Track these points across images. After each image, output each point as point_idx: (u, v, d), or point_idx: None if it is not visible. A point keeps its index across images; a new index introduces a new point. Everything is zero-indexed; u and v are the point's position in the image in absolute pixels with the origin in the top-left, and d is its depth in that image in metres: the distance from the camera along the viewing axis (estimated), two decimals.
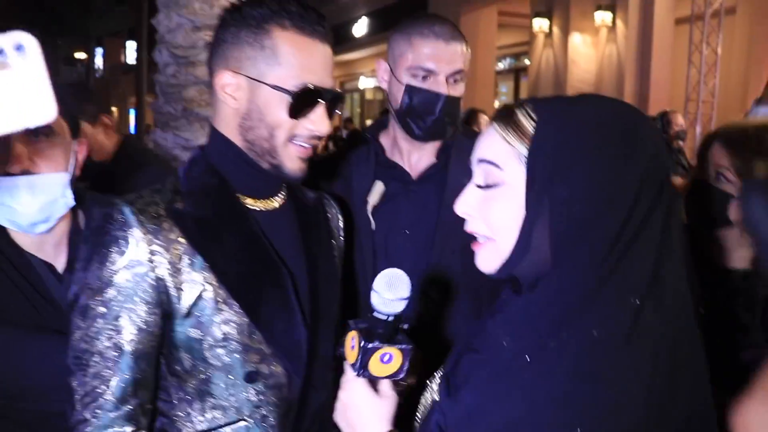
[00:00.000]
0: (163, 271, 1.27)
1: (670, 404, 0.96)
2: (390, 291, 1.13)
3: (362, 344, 1.12)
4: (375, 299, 1.14)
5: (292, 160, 1.37)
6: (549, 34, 10.57)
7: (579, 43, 10.12)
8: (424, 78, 1.89)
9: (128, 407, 1.26)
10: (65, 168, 1.55)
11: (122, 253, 1.25)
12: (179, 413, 1.34)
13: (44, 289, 1.55)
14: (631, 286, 0.96)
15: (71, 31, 24.81)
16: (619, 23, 9.55)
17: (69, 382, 1.27)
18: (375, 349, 1.12)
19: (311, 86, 1.33)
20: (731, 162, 1.67)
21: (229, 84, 1.35)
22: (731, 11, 9.93)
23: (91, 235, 1.30)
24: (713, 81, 9.38)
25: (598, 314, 0.95)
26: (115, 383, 1.25)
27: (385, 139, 2.05)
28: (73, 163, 1.58)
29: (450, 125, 1.93)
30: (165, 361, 1.33)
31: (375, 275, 1.94)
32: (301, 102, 1.33)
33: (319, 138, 1.39)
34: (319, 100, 1.35)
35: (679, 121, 6.79)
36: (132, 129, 28.65)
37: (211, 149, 1.43)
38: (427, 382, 1.25)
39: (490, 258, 1.07)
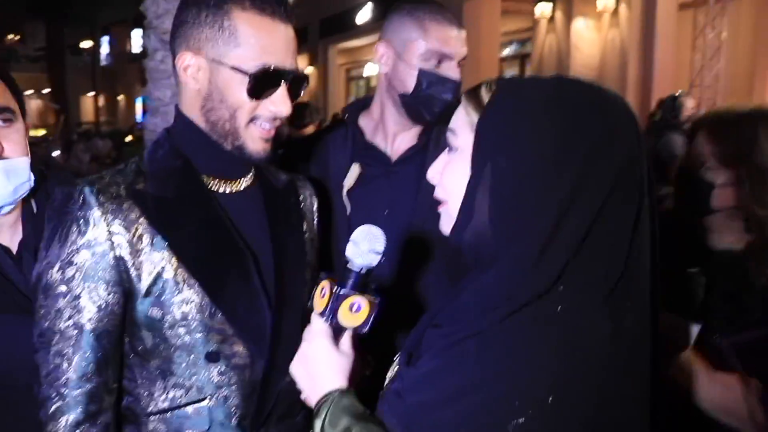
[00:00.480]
0: (123, 251, 1.29)
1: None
2: (367, 242, 1.17)
3: (334, 290, 1.16)
4: (351, 250, 1.17)
5: (255, 141, 1.37)
6: (552, 20, 10.52)
7: (582, 28, 10.06)
8: (439, 63, 1.90)
9: (90, 385, 1.30)
10: (26, 150, 1.57)
11: (82, 233, 1.28)
12: (142, 392, 1.36)
13: (1, 271, 1.57)
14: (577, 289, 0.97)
15: (77, 19, 24.82)
16: (622, 7, 9.49)
17: (35, 360, 1.31)
18: (346, 296, 1.16)
19: (271, 67, 1.32)
20: (712, 150, 1.68)
21: (189, 65, 1.35)
22: None
23: (53, 214, 1.32)
24: (718, 66, 9.30)
25: (531, 307, 0.97)
26: (77, 361, 1.28)
27: (365, 121, 2.05)
28: (27, 145, 1.59)
29: (453, 107, 1.93)
30: (128, 339, 1.36)
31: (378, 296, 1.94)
32: (261, 83, 1.33)
33: (281, 119, 1.39)
34: (281, 81, 1.35)
35: (691, 104, 6.66)
36: (140, 117, 28.75)
37: (176, 131, 1.44)
38: (394, 359, 1.27)
39: (444, 221, 1.12)
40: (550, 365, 0.95)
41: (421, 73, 1.90)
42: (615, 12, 9.58)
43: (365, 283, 1.18)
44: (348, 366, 1.18)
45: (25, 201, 1.64)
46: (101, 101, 28.98)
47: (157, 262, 1.31)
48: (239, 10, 1.32)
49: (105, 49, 31.55)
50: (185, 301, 1.32)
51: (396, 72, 1.96)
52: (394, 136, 2.01)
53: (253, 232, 1.43)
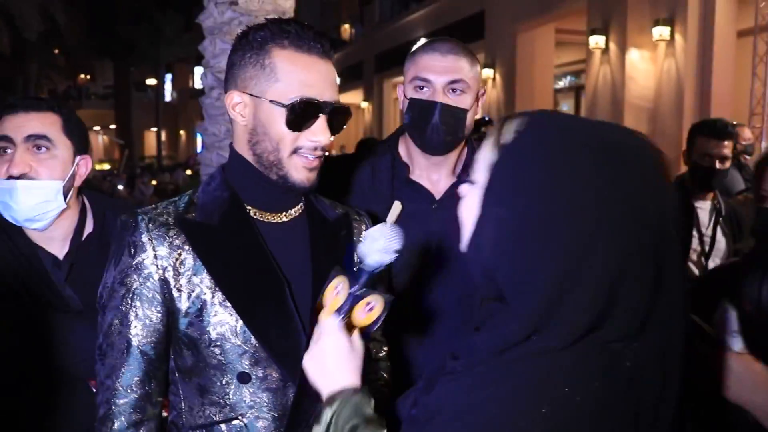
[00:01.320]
0: (167, 273, 1.42)
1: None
2: (384, 239, 1.20)
3: (351, 289, 1.18)
4: (366, 246, 1.21)
5: (298, 171, 1.46)
6: (606, 51, 10.41)
7: (636, 58, 9.93)
8: (423, 89, 1.99)
9: (135, 396, 1.41)
10: (61, 177, 1.85)
11: (132, 256, 1.42)
12: (184, 407, 1.46)
13: (45, 273, 1.85)
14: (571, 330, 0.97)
15: (142, 58, 25.82)
16: (678, 37, 9.32)
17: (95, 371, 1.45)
18: (362, 296, 1.18)
19: (306, 99, 1.41)
20: None
21: (237, 103, 1.47)
22: None
23: (114, 239, 1.48)
24: None
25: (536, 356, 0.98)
26: (123, 373, 1.41)
27: (404, 155, 2.11)
28: (72, 174, 1.88)
29: (450, 135, 1.99)
30: (173, 357, 1.47)
31: (392, 292, 1.97)
32: (299, 115, 1.42)
33: (322, 149, 1.47)
34: (318, 112, 1.44)
35: (747, 135, 6.42)
36: (199, 149, 29.51)
37: (229, 166, 1.55)
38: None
39: (462, 243, 1.14)
40: (546, 411, 0.96)
41: (409, 101, 2.01)
42: (670, 42, 9.43)
43: (376, 281, 1.23)
44: (360, 363, 1.21)
45: (81, 217, 1.95)
46: (163, 136, 29.94)
47: (196, 284, 1.42)
48: (279, 49, 1.43)
49: (168, 86, 32.64)
50: (220, 323, 1.41)
51: (403, 107, 2.07)
52: (428, 171, 2.07)
53: (293, 261, 1.50)
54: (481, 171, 1.08)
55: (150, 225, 1.42)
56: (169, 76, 32.27)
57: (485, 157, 1.09)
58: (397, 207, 2.03)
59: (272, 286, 1.46)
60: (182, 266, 1.42)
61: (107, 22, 24.11)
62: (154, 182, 15.44)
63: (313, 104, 1.43)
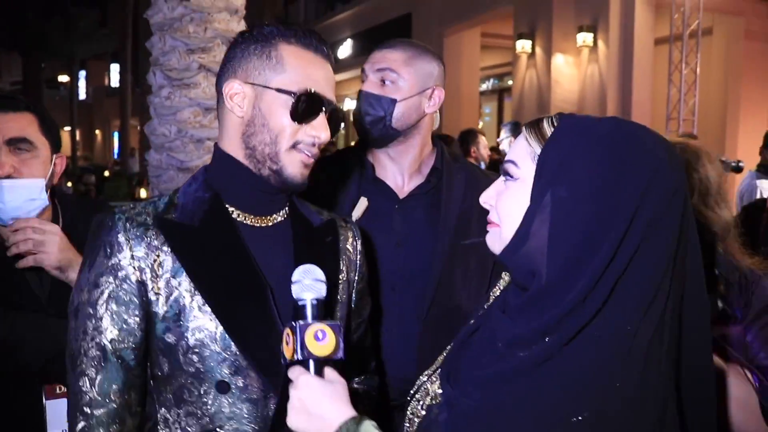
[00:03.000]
0: (145, 275, 1.35)
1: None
2: (307, 276, 1.23)
3: (293, 325, 1.19)
4: (296, 288, 1.23)
5: (294, 165, 1.42)
6: (532, 55, 10.73)
7: (561, 63, 10.28)
8: (363, 82, 2.06)
9: (113, 406, 1.34)
10: (43, 175, 1.87)
11: (108, 256, 1.35)
12: (159, 417, 1.39)
13: (21, 273, 1.84)
14: (624, 307, 1.03)
15: (55, 53, 24.74)
16: (601, 44, 9.72)
17: (66, 381, 1.37)
18: (305, 327, 1.18)
19: (313, 91, 1.40)
20: None
21: (236, 93, 1.42)
22: (708, 32, 10.16)
23: (89, 239, 1.40)
24: (693, 100, 9.54)
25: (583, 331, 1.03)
26: (99, 381, 1.33)
27: (370, 157, 2.15)
28: (51, 171, 1.91)
29: (373, 124, 2.04)
30: (149, 364, 1.39)
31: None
32: (304, 106, 1.39)
33: (320, 146, 1.45)
34: (321, 108, 1.42)
35: None
36: (116, 152, 28.55)
37: (213, 166, 1.50)
38: (421, 377, 1.32)
39: (494, 241, 1.19)
40: (603, 384, 1.01)
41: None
42: (593, 48, 9.81)
43: (321, 314, 1.23)
44: (344, 392, 1.20)
45: (53, 216, 1.95)
46: (78, 135, 28.78)
47: (175, 287, 1.35)
48: (285, 44, 1.42)
49: (82, 83, 31.43)
50: (199, 329, 1.34)
51: None
52: (388, 168, 2.12)
53: (277, 266, 1.44)
54: (525, 166, 1.14)
55: (128, 224, 1.36)
56: (83, 73, 31.07)
57: (526, 152, 1.15)
58: (362, 203, 2.07)
59: (255, 290, 1.40)
60: (160, 268, 1.35)
61: (15, 14, 22.95)
62: (69, 183, 14.84)
63: (319, 98, 1.41)
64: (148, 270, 1.35)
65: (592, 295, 1.02)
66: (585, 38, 9.74)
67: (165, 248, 1.37)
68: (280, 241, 1.49)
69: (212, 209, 1.43)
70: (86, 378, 1.33)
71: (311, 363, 1.19)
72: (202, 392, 1.35)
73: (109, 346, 1.33)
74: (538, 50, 10.60)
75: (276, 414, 1.37)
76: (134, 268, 1.34)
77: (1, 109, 1.86)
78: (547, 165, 1.09)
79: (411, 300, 2.04)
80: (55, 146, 1.95)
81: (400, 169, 2.11)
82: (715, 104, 10.55)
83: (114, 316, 1.34)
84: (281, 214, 1.52)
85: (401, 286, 2.06)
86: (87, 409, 1.32)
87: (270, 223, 1.49)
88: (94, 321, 1.34)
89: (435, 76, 2.07)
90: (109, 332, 1.34)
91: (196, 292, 1.35)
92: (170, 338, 1.35)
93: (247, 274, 1.40)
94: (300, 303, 1.23)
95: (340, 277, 1.56)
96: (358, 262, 1.64)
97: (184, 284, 1.35)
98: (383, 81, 2.01)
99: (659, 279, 1.04)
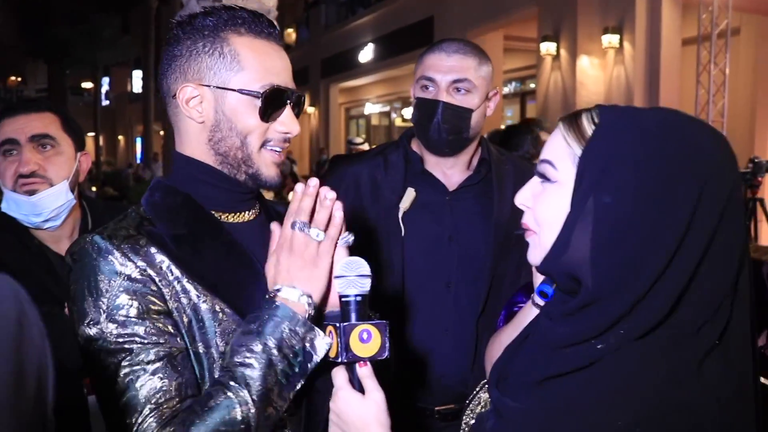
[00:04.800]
0: (160, 282, 1.24)
1: None
2: (351, 270, 1.19)
3: (338, 326, 1.16)
4: (340, 284, 1.20)
5: (268, 167, 1.37)
6: (556, 57, 10.62)
7: (587, 65, 10.16)
8: (428, 88, 2.01)
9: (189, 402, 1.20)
10: (68, 173, 1.93)
11: (110, 277, 1.21)
12: None
13: (55, 272, 1.88)
14: (681, 319, 0.97)
15: (79, 60, 25.06)
16: (627, 45, 9.60)
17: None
18: (351, 327, 1.16)
19: (278, 86, 1.32)
20: None
21: (192, 97, 1.32)
22: (736, 32, 10.00)
23: (73, 276, 1.25)
24: (722, 101, 9.39)
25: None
26: (169, 386, 1.19)
27: (417, 149, 2.13)
28: (76, 170, 1.97)
29: (453, 134, 2.00)
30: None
31: (404, 278, 1.99)
32: (270, 103, 1.32)
33: (290, 140, 1.39)
34: (286, 100, 1.35)
35: None
36: (139, 157, 28.80)
37: (174, 174, 1.40)
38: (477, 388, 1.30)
39: (533, 250, 1.11)
40: (652, 400, 0.95)
41: (416, 100, 2.03)
42: (619, 49, 9.69)
43: (365, 311, 1.20)
44: (381, 409, 1.16)
45: (83, 218, 2.01)
46: (101, 141, 29.10)
47: (189, 296, 1.26)
48: (236, 36, 1.32)
49: (105, 89, 31.81)
50: (225, 333, 1.27)
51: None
52: (438, 165, 2.09)
53: (263, 259, 1.37)
54: (564, 168, 1.05)
55: (115, 240, 1.23)
56: (106, 80, 31.41)
57: (565, 153, 1.05)
58: (410, 194, 2.05)
59: (258, 282, 1.34)
60: (170, 273, 1.25)
61: (40, 23, 23.27)
62: (93, 188, 15.00)
63: (283, 92, 1.34)
64: (159, 276, 1.24)
65: (642, 306, 0.96)
66: (611, 40, 9.62)
67: (162, 257, 1.26)
68: (261, 234, 1.41)
69: (192, 213, 1.35)
70: (162, 393, 1.18)
71: (355, 366, 1.18)
72: None
73: (151, 356, 1.20)
74: (562, 52, 10.50)
75: (307, 401, 1.35)
76: (148, 277, 1.23)
77: (24, 110, 1.92)
78: (589, 169, 1.00)
79: (466, 297, 2.01)
80: (79, 144, 2.00)
81: (451, 167, 2.09)
82: (744, 105, 10.38)
83: (146, 328, 1.20)
84: (255, 209, 1.47)
85: (457, 283, 2.03)
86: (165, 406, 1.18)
87: (247, 219, 1.44)
88: (130, 342, 1.20)
89: (492, 78, 2.07)
90: (148, 345, 1.20)
91: (207, 296, 1.27)
92: (199, 348, 1.26)
93: (249, 266, 1.36)
94: (343, 299, 1.19)
95: None
96: None
97: (192, 291, 1.26)
98: (458, 90, 1.98)
99: (725, 290, 0.98)
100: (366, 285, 1.20)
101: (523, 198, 1.14)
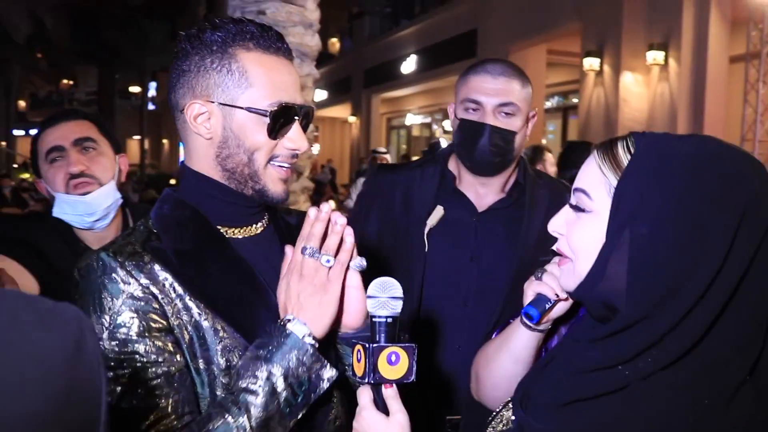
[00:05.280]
0: (161, 299, 1.25)
1: None
2: (384, 291, 1.18)
3: (366, 347, 1.15)
4: (371, 304, 1.18)
5: (275, 183, 1.37)
6: (600, 73, 10.51)
7: (630, 81, 10.03)
8: (474, 110, 2.00)
9: (186, 419, 1.23)
10: (112, 174, 2.05)
11: (115, 295, 1.23)
12: None
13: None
14: (720, 350, 0.96)
15: (128, 65, 25.63)
16: (672, 62, 9.45)
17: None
18: (380, 349, 1.15)
19: (286, 103, 1.32)
20: None
21: (200, 114, 1.32)
22: None
23: (79, 291, 1.27)
24: None
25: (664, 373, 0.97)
26: (166, 404, 1.22)
27: (453, 168, 2.13)
28: (117, 171, 2.08)
29: (499, 157, 2.01)
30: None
31: (422, 294, 1.99)
32: (278, 121, 1.32)
33: (298, 156, 1.39)
34: (294, 117, 1.35)
35: None
36: (181, 161, 29.29)
37: (183, 187, 1.40)
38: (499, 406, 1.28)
39: (567, 277, 1.12)
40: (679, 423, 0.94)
41: (459, 122, 2.03)
42: (664, 66, 9.54)
43: (395, 332, 1.18)
44: (402, 429, 1.15)
45: (124, 217, 2.10)
46: (146, 144, 29.71)
47: (194, 308, 1.28)
48: (244, 51, 1.31)
49: (152, 93, 32.46)
50: (226, 349, 1.28)
51: (453, 126, 2.10)
52: (473, 186, 2.09)
53: (269, 275, 1.39)
54: (599, 198, 1.05)
55: (119, 258, 1.25)
56: (153, 84, 32.02)
57: (600, 182, 1.05)
58: (438, 211, 2.06)
59: (264, 298, 1.36)
60: (172, 291, 1.27)
61: (92, 27, 23.91)
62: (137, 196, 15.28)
63: (291, 108, 1.33)
64: (162, 294, 1.25)
65: (673, 335, 0.95)
66: (655, 56, 9.48)
67: (166, 275, 1.27)
68: (268, 248, 1.44)
69: (198, 228, 1.36)
70: (162, 412, 1.21)
71: (380, 387, 1.17)
72: None
73: (151, 374, 1.22)
74: (606, 68, 10.39)
75: (307, 414, 1.32)
76: (150, 294, 1.24)
77: (64, 119, 2.04)
78: (625, 200, 1.00)
79: (482, 316, 2.01)
80: (116, 147, 2.12)
81: (485, 187, 2.10)
82: None
83: (147, 346, 1.22)
84: (262, 222, 1.47)
85: (474, 302, 2.04)
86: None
87: (255, 233, 1.44)
88: (131, 361, 1.21)
89: (532, 98, 2.08)
90: (149, 362, 1.22)
91: (209, 314, 1.28)
92: (201, 365, 1.27)
93: (253, 283, 1.37)
94: (374, 320, 1.18)
95: None
96: None
97: (194, 309, 1.28)
98: (505, 113, 1.99)
99: (758, 322, 0.97)
100: (397, 307, 1.18)
101: (556, 225, 1.14)
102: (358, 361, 1.17)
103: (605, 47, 10.37)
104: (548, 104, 15.72)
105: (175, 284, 1.27)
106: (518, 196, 2.09)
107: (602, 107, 10.48)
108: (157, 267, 1.27)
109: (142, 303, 1.24)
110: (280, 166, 1.36)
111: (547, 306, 1.32)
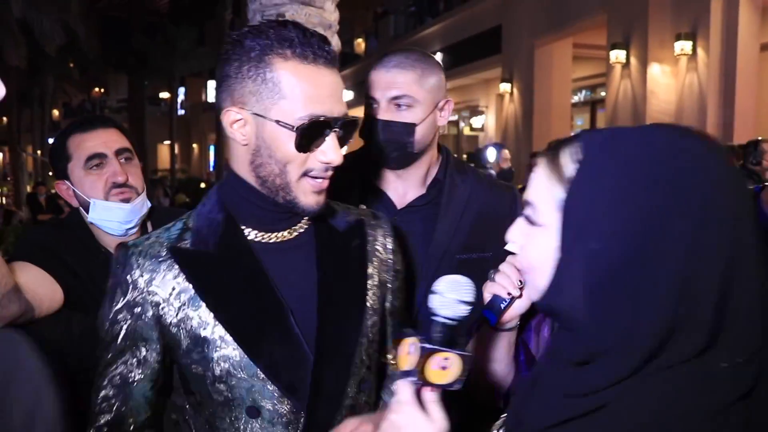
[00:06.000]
0: (161, 310, 1.34)
1: None
2: (453, 291, 1.10)
3: (422, 344, 1.06)
4: (436, 301, 1.10)
5: (306, 195, 1.34)
6: (626, 65, 10.39)
7: (658, 73, 9.90)
8: (374, 106, 1.95)
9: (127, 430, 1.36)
10: (143, 182, 2.07)
11: (124, 293, 1.35)
12: None
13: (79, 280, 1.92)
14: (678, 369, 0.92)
15: (157, 71, 25.97)
16: (700, 51, 9.30)
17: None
18: (434, 351, 1.05)
19: (317, 118, 1.29)
20: None
21: (236, 120, 1.33)
22: None
23: (111, 275, 1.40)
24: None
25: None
26: (116, 407, 1.35)
27: (374, 165, 2.09)
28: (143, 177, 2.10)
29: (397, 151, 1.95)
30: (183, 391, 1.40)
31: (469, 352, 1.94)
32: (308, 135, 1.29)
33: (334, 168, 1.35)
34: (328, 130, 1.32)
35: None
36: (212, 164, 29.63)
37: (226, 186, 1.43)
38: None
39: (529, 290, 1.09)
40: None
41: (363, 118, 1.94)
42: (692, 56, 9.40)
43: (454, 337, 1.10)
44: None
45: (144, 227, 2.10)
46: (176, 149, 30.12)
47: (195, 319, 1.33)
48: (281, 61, 1.28)
49: (181, 99, 32.85)
50: (223, 358, 1.32)
51: None
52: (391, 182, 2.04)
53: (299, 282, 1.39)
54: (548, 212, 1.01)
55: (140, 260, 1.34)
56: (182, 90, 32.43)
57: (548, 196, 1.01)
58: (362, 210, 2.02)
59: (275, 314, 1.36)
60: (177, 300, 1.33)
61: (121, 36, 24.28)
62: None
63: (323, 123, 1.30)
64: (165, 304, 1.34)
65: (638, 352, 0.91)
66: (683, 46, 9.34)
67: (180, 278, 1.34)
68: (301, 255, 1.42)
69: (226, 232, 1.38)
70: (107, 402, 1.36)
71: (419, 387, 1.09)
72: (233, 418, 1.35)
73: (129, 377, 1.35)
74: (632, 60, 10.27)
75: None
76: (151, 303, 1.34)
77: (101, 125, 2.05)
78: (573, 215, 0.95)
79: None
80: (139, 156, 2.15)
81: (404, 182, 2.03)
82: None
83: (133, 350, 1.35)
84: (303, 224, 1.45)
85: None
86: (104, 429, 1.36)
87: (291, 236, 1.43)
88: (116, 353, 1.36)
89: (443, 86, 1.98)
90: (129, 364, 1.36)
91: (216, 322, 1.33)
92: (197, 369, 1.34)
93: (267, 297, 1.36)
94: (433, 318, 1.10)
95: (369, 282, 1.49)
96: (390, 260, 1.56)
97: (203, 315, 1.33)
98: (399, 105, 1.91)
99: (752, 321, 0.92)
100: (463, 312, 1.10)
101: (512, 236, 1.11)
102: (409, 353, 1.08)
103: (631, 39, 10.25)
104: (576, 98, 15.58)
105: (186, 291, 1.34)
106: (436, 193, 2.01)
107: (629, 100, 10.36)
108: (171, 274, 1.34)
109: (143, 308, 1.34)
110: (314, 178, 1.33)
111: (503, 306, 1.28)
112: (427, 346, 1.06)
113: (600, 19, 10.93)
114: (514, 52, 13.47)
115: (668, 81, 9.87)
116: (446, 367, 1.06)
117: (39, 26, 14.69)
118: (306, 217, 1.44)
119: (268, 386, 1.33)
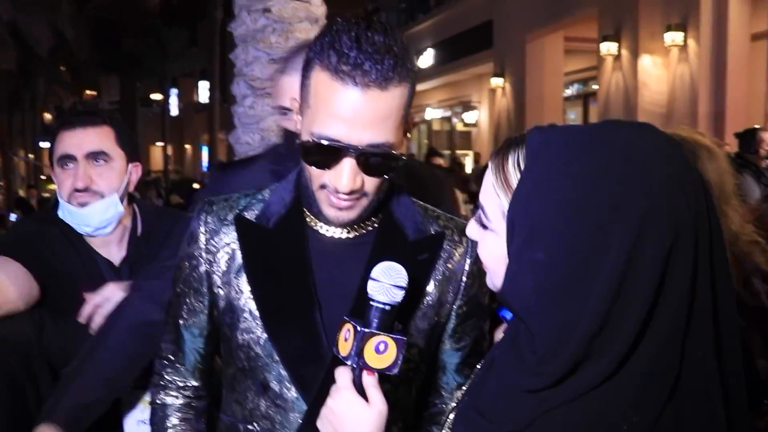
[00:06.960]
0: (213, 268, 1.40)
1: None
2: (389, 277, 1.13)
3: (357, 329, 1.10)
4: (372, 287, 1.13)
5: (326, 207, 1.31)
6: (617, 57, 10.42)
7: (649, 64, 9.93)
8: None
9: (182, 368, 1.48)
10: (118, 186, 2.01)
11: (188, 244, 1.44)
12: (223, 396, 1.48)
13: (102, 278, 1.97)
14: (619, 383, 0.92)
15: (148, 73, 25.90)
16: (691, 42, 9.32)
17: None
18: (370, 335, 1.10)
19: (319, 141, 1.23)
20: None
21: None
22: None
23: (189, 221, 1.48)
24: None
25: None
26: (173, 349, 1.48)
27: None
28: (126, 181, 2.05)
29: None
30: (221, 344, 1.48)
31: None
32: (313, 153, 1.25)
33: (352, 193, 1.27)
34: (342, 156, 1.23)
35: None
36: (205, 164, 29.56)
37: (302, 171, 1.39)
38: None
39: (489, 284, 1.11)
40: None
41: None
42: (683, 47, 9.42)
43: (391, 321, 1.13)
44: (380, 420, 1.11)
45: (133, 223, 2.10)
46: (169, 150, 30.05)
47: (234, 286, 1.39)
48: (318, 69, 1.22)
49: (173, 100, 32.75)
50: (246, 330, 1.37)
51: None
52: None
53: (341, 280, 1.37)
54: (496, 219, 1.02)
55: (208, 218, 1.41)
56: (174, 91, 32.31)
57: (495, 203, 1.02)
58: None
59: (302, 306, 1.35)
60: (226, 264, 1.39)
61: (112, 38, 24.19)
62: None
63: (329, 148, 1.22)
64: (216, 265, 1.40)
65: (585, 366, 0.92)
66: (674, 37, 9.36)
67: (235, 245, 1.39)
68: (357, 254, 1.36)
69: (289, 215, 1.39)
70: (164, 342, 1.49)
71: (358, 372, 1.13)
72: (246, 386, 1.39)
73: (180, 320, 1.46)
74: (624, 52, 10.29)
75: (302, 425, 1.35)
76: (204, 260, 1.41)
77: (81, 124, 2.00)
78: (518, 223, 0.96)
79: None
80: (131, 156, 2.08)
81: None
82: None
83: (187, 297, 1.44)
84: (368, 223, 1.39)
85: None
86: (161, 369, 1.49)
87: (353, 234, 1.38)
88: (174, 296, 1.47)
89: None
90: (181, 309, 1.45)
91: (251, 296, 1.37)
92: (226, 331, 1.41)
93: (299, 287, 1.35)
94: (371, 303, 1.13)
95: (425, 300, 1.39)
96: (462, 283, 1.43)
97: (242, 285, 1.38)
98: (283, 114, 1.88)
99: (670, 341, 0.92)
100: (398, 296, 1.13)
101: (470, 231, 1.12)
102: (345, 339, 1.13)
103: (622, 31, 10.28)
104: (568, 92, 15.59)
105: (233, 259, 1.39)
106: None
107: (621, 92, 10.39)
108: (228, 239, 1.40)
109: (198, 261, 1.41)
110: (330, 196, 1.28)
111: None
112: (365, 330, 1.10)
113: (591, 11, 10.96)
114: (506, 46, 13.48)
115: (659, 72, 9.89)
116: (383, 352, 1.11)
117: (28, 29, 14.64)
118: (375, 217, 1.39)
119: (281, 371, 1.35)
